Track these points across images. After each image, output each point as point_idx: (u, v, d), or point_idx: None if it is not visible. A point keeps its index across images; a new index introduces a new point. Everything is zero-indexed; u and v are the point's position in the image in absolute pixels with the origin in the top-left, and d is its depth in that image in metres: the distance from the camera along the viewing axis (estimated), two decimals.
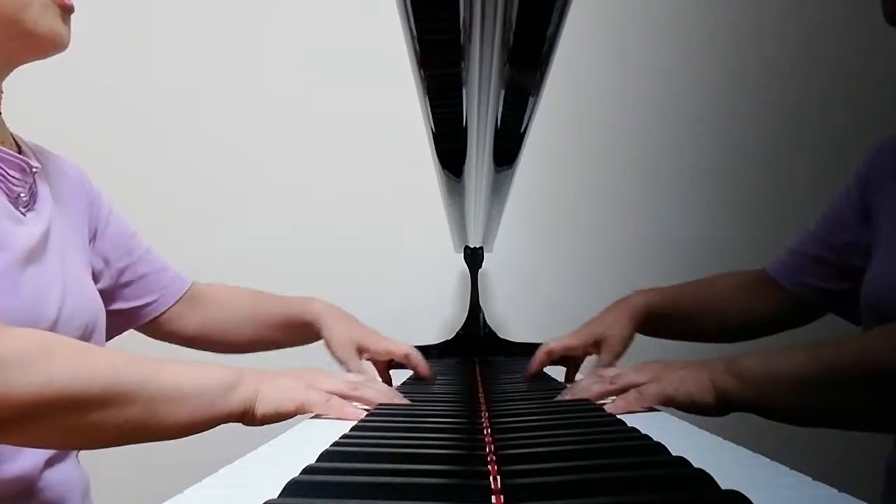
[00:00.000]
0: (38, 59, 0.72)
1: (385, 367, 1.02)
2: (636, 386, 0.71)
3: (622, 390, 0.72)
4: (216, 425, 0.64)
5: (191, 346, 1.00)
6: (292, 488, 0.40)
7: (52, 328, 0.70)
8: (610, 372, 0.77)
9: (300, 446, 0.56)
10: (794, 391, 0.64)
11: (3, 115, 0.76)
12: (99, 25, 1.54)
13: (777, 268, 1.00)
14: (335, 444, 0.53)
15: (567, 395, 0.76)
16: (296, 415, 0.69)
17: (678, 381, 0.69)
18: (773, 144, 1.55)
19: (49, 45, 0.71)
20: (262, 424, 0.67)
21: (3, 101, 0.76)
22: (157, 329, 0.96)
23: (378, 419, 0.67)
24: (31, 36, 0.69)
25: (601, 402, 0.74)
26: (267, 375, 0.69)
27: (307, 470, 0.44)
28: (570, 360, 1.06)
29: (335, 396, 0.70)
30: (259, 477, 0.46)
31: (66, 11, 0.71)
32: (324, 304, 1.02)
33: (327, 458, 0.48)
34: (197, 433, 0.63)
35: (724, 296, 1.04)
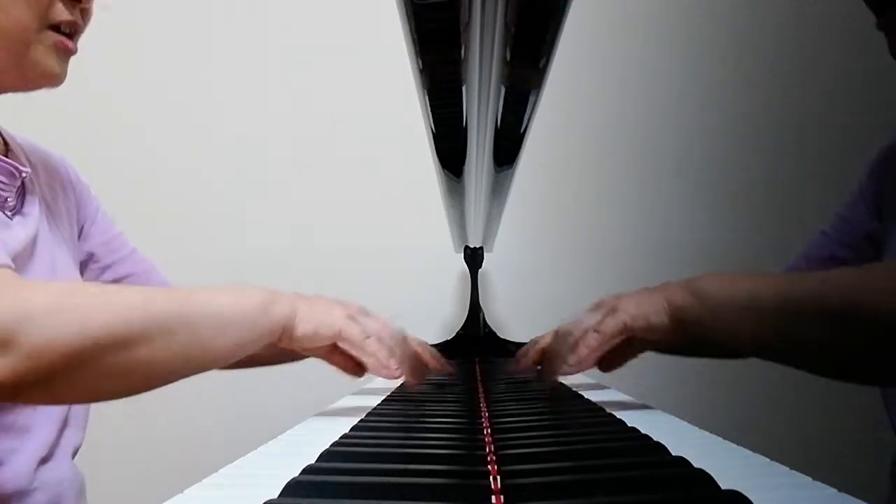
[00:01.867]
0: (26, 91, 0.72)
1: None
2: (593, 327, 0.67)
3: (584, 335, 0.68)
4: (261, 344, 0.63)
5: None
6: (292, 488, 0.40)
7: None
8: (568, 334, 0.72)
9: (300, 446, 0.56)
10: (749, 314, 0.58)
11: None
12: (96, 30, 1.54)
13: (793, 272, 0.94)
14: (335, 444, 0.53)
15: (544, 372, 0.73)
16: (332, 342, 0.67)
17: (633, 306, 0.65)
18: (773, 145, 1.55)
19: (44, 84, 0.70)
20: (300, 346, 0.66)
21: None
22: None
23: (378, 419, 0.67)
24: (30, 73, 0.68)
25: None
26: (303, 297, 0.67)
27: (307, 470, 0.44)
28: None
29: (372, 339, 0.67)
30: (259, 477, 0.46)
31: (69, 54, 0.71)
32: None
33: (327, 458, 0.48)
34: (245, 355, 0.62)
35: None
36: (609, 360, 0.72)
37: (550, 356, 0.73)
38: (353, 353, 0.68)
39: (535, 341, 0.95)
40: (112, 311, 0.52)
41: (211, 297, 0.60)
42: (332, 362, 0.75)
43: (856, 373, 0.59)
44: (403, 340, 0.74)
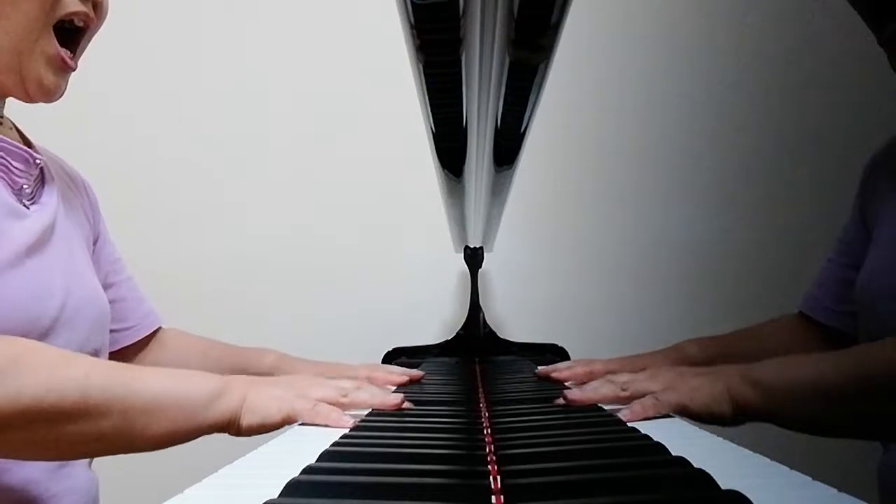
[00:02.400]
0: (23, 101, 0.72)
1: None
2: (649, 393, 0.68)
3: (633, 397, 0.70)
4: (199, 436, 0.62)
5: None
6: (292, 488, 0.40)
7: (56, 321, 0.69)
8: (622, 378, 0.74)
9: (300, 446, 0.56)
10: (816, 400, 0.61)
11: (8, 118, 0.76)
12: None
13: (809, 304, 0.96)
14: (335, 444, 0.53)
15: (576, 395, 0.73)
16: (283, 425, 0.66)
17: (693, 390, 0.67)
18: (774, 145, 1.55)
19: (36, 96, 0.70)
20: (248, 435, 0.65)
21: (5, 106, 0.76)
22: (117, 360, 0.90)
23: (378, 419, 0.67)
24: (26, 82, 0.68)
25: (609, 407, 0.73)
26: (254, 383, 0.66)
27: (307, 470, 0.44)
28: None
29: (322, 403, 0.67)
30: (259, 477, 0.46)
31: (67, 70, 0.71)
32: (278, 353, 0.96)
33: (327, 458, 0.48)
34: (179, 444, 0.61)
35: (777, 342, 0.96)
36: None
37: (588, 390, 0.74)
38: (308, 421, 0.67)
39: (586, 363, 0.94)
40: (50, 384, 0.52)
41: (156, 381, 0.60)
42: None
43: None
44: (355, 386, 0.73)
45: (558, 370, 0.94)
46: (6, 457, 0.62)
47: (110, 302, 0.87)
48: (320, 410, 0.66)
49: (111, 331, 0.88)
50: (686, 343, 0.97)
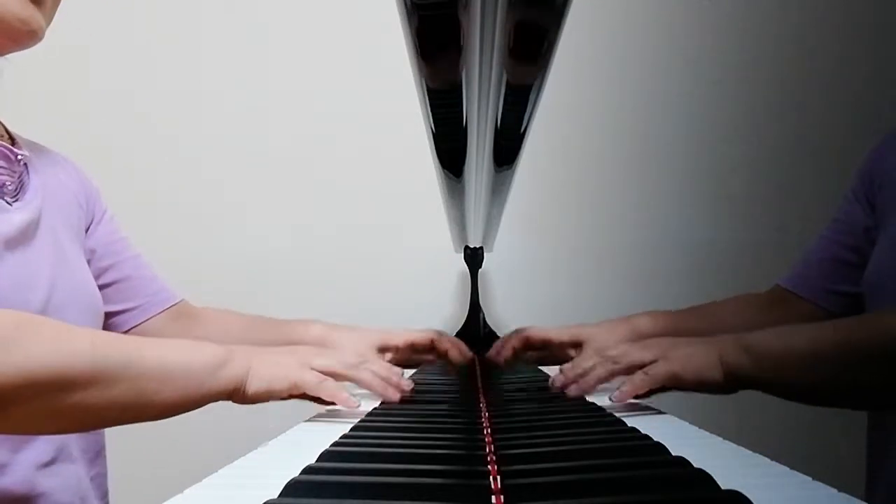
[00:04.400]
0: (13, 50, 0.69)
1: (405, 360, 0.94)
2: (641, 365, 0.68)
3: (627, 370, 0.69)
4: (206, 403, 0.62)
5: None
6: (292, 488, 0.40)
7: (41, 313, 0.69)
8: (612, 351, 0.73)
9: (300, 446, 0.56)
10: (810, 367, 0.61)
11: None
12: (99, 26, 1.54)
13: (795, 280, 0.93)
14: (335, 444, 0.53)
15: (573, 390, 0.72)
16: (287, 395, 0.67)
17: (685, 358, 0.66)
18: (774, 145, 1.55)
19: (17, 34, 0.66)
20: (253, 403, 0.65)
21: None
22: None
23: (378, 419, 0.67)
24: (2, 23, 0.65)
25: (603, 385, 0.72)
26: (259, 352, 0.67)
27: (307, 470, 0.44)
28: (547, 357, 0.99)
29: (330, 378, 0.67)
30: (259, 477, 0.46)
31: (37, 2, 0.67)
32: (325, 324, 0.95)
33: (327, 458, 0.48)
34: (187, 411, 0.61)
35: (738, 319, 0.93)
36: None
37: (584, 384, 0.73)
38: (314, 397, 0.68)
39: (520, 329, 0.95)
40: (58, 353, 0.52)
41: (162, 350, 0.60)
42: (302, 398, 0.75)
43: None
44: (361, 362, 0.73)
45: (504, 349, 0.94)
46: (22, 432, 0.61)
47: (114, 283, 0.87)
48: (327, 386, 0.66)
49: (118, 312, 0.88)
50: (638, 316, 0.95)
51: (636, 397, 0.73)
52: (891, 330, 0.58)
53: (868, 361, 0.59)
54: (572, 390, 0.73)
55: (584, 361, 0.75)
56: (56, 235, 0.76)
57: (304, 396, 0.73)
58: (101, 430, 0.80)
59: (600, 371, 0.72)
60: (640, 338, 0.86)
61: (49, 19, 0.71)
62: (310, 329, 0.94)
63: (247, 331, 0.95)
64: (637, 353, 0.70)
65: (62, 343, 0.53)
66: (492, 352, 0.98)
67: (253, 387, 0.64)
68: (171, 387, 0.58)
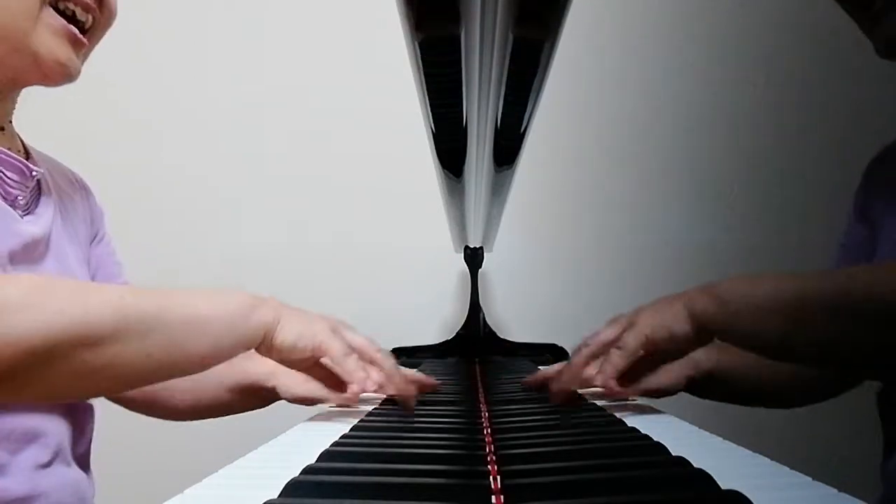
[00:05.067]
0: (43, 85, 0.71)
1: None
2: (613, 342, 0.66)
3: (601, 349, 0.67)
4: (239, 351, 0.61)
5: (131, 408, 0.88)
6: (292, 488, 0.40)
7: None
8: (588, 349, 0.70)
9: (300, 446, 0.56)
10: (773, 314, 0.58)
11: (13, 125, 0.76)
12: None
13: None
14: (335, 444, 0.53)
15: (554, 385, 0.70)
16: (310, 355, 0.65)
17: (651, 317, 0.64)
18: (774, 147, 1.55)
19: (50, 72, 0.68)
20: (278, 356, 0.64)
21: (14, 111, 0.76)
22: None
23: (378, 419, 0.67)
24: (34, 57, 0.67)
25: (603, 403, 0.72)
26: (285, 305, 0.66)
27: (307, 470, 0.44)
28: None
29: (354, 356, 0.66)
30: (259, 477, 0.46)
31: (77, 45, 0.70)
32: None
33: (327, 458, 0.48)
34: (221, 361, 0.60)
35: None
36: (631, 377, 0.70)
37: (566, 373, 0.70)
38: (333, 368, 0.67)
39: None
40: (84, 307, 0.51)
41: (190, 298, 0.59)
42: (313, 375, 0.74)
43: (879, 367, 0.60)
44: (386, 352, 0.73)
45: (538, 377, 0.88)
46: (61, 395, 0.60)
47: None
48: (351, 360, 0.65)
49: None
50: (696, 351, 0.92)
51: (631, 384, 0.70)
52: (857, 285, 0.55)
53: (830, 313, 0.55)
54: (553, 387, 0.71)
55: (573, 363, 0.72)
56: (63, 254, 0.76)
57: (318, 370, 0.71)
58: (89, 437, 0.79)
59: (575, 360, 0.69)
60: (700, 372, 0.82)
61: (84, 60, 0.73)
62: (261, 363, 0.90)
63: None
64: (604, 333, 0.67)
65: (87, 298, 0.52)
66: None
67: (280, 336, 0.63)
68: (202, 335, 0.57)
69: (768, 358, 0.64)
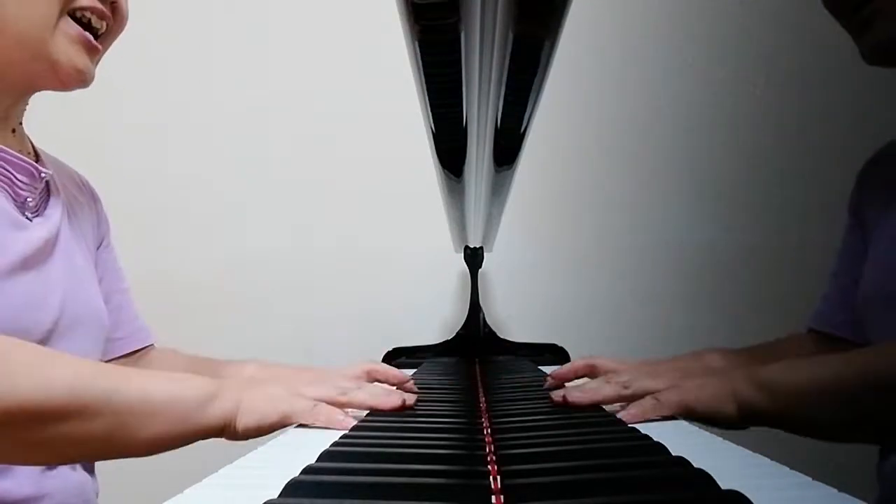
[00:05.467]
0: (58, 90, 0.72)
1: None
2: (652, 392, 0.66)
3: (636, 396, 0.67)
4: (194, 440, 0.60)
5: None
6: (292, 488, 0.40)
7: (51, 333, 0.69)
8: (623, 377, 0.71)
9: (300, 446, 0.56)
10: (829, 402, 0.59)
11: (24, 128, 0.77)
12: None
13: (822, 319, 0.92)
14: (335, 444, 0.53)
15: (576, 397, 0.70)
16: (280, 426, 0.64)
17: (697, 389, 0.64)
18: (774, 146, 1.55)
19: (67, 78, 0.70)
20: (245, 439, 0.63)
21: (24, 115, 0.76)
22: None
23: (378, 419, 0.67)
24: (52, 63, 0.68)
25: (607, 406, 0.72)
26: (249, 385, 0.65)
27: (307, 470, 0.44)
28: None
29: (322, 403, 0.65)
30: (259, 477, 0.46)
31: (92, 52, 0.71)
32: (257, 365, 0.90)
33: (327, 458, 0.48)
34: (173, 449, 0.59)
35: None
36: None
37: (588, 391, 0.71)
38: (307, 422, 0.65)
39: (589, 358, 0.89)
40: (35, 382, 0.50)
41: (147, 382, 0.58)
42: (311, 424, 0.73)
43: None
44: (354, 386, 0.71)
45: (561, 371, 0.89)
46: (0, 461, 0.60)
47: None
48: (321, 411, 0.65)
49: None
50: (707, 352, 0.90)
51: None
52: None
53: (887, 392, 0.56)
54: (572, 395, 0.70)
55: (592, 383, 0.73)
56: (71, 253, 0.77)
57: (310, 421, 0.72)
58: None
59: (607, 390, 0.70)
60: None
61: (97, 65, 0.74)
62: (242, 369, 0.90)
63: (187, 369, 0.91)
64: (646, 382, 0.68)
65: (41, 373, 0.51)
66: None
67: (243, 422, 0.62)
68: (155, 421, 0.56)
69: (824, 440, 0.64)
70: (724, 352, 0.90)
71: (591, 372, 0.87)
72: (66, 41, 0.68)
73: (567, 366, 0.90)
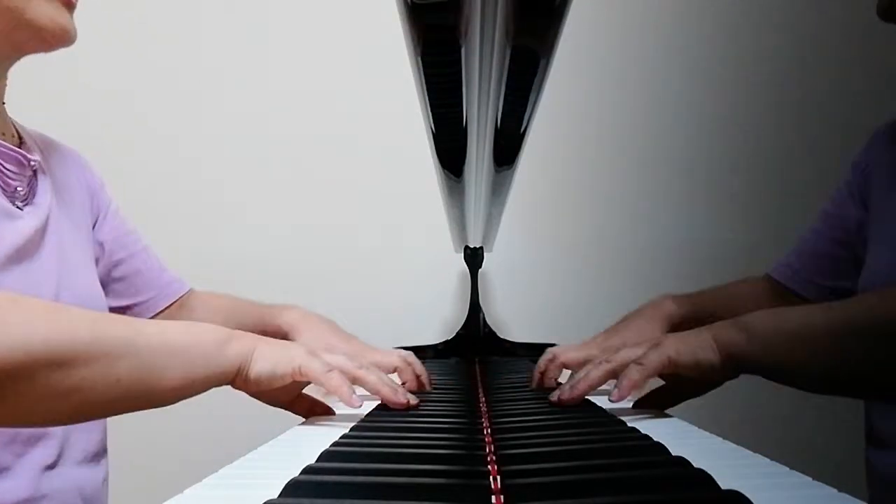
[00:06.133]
0: (43, 52, 0.71)
1: None
2: (636, 360, 0.65)
3: (622, 367, 0.66)
4: (212, 385, 0.60)
5: None
6: (292, 488, 0.40)
7: None
8: (603, 354, 0.71)
9: (300, 446, 0.56)
10: (806, 346, 0.58)
11: (6, 106, 0.76)
12: (100, 26, 1.54)
13: (787, 272, 0.94)
14: (335, 444, 0.53)
15: (567, 394, 0.69)
16: (291, 380, 0.64)
17: (678, 342, 0.64)
18: (774, 145, 1.55)
19: (53, 38, 0.69)
20: (256, 388, 0.63)
21: (6, 91, 0.75)
22: None
23: (378, 419, 0.67)
24: (35, 27, 0.68)
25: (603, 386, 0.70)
26: (263, 339, 0.66)
27: (307, 470, 0.44)
28: None
29: (336, 371, 0.65)
30: (259, 477, 0.46)
31: (70, 8, 0.71)
32: (301, 311, 0.92)
33: (327, 458, 0.48)
34: (194, 394, 0.59)
35: (746, 305, 0.88)
36: (644, 400, 0.71)
37: (578, 383, 0.70)
38: (317, 384, 0.65)
39: (553, 354, 0.89)
40: (55, 327, 0.49)
41: (164, 328, 0.58)
42: (296, 409, 0.73)
43: None
44: (370, 365, 0.71)
45: (538, 377, 0.89)
46: (24, 420, 0.57)
47: (124, 277, 0.87)
48: (333, 377, 0.64)
49: (130, 306, 0.88)
50: (663, 299, 0.92)
51: (650, 404, 0.72)
52: (891, 308, 0.55)
53: (865, 339, 0.56)
54: (565, 393, 0.70)
55: (579, 374, 0.72)
56: (62, 239, 0.76)
57: (298, 405, 0.72)
58: (103, 430, 0.79)
59: (594, 373, 0.69)
60: (673, 328, 0.85)
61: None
62: (284, 312, 0.92)
63: (231, 312, 0.95)
64: (628, 350, 0.67)
65: (61, 318, 0.51)
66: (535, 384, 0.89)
67: (256, 367, 0.62)
68: (175, 363, 0.56)
69: (804, 389, 0.64)
70: (675, 297, 0.92)
71: (562, 367, 0.87)
72: (44, 1, 0.68)
73: (536, 372, 0.89)
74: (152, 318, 0.90)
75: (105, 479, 0.80)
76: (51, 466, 0.70)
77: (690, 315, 0.89)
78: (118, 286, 0.88)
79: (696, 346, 0.63)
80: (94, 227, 0.87)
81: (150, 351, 0.55)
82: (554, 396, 0.71)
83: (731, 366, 0.63)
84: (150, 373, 0.54)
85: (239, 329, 0.74)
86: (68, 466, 0.73)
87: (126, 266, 0.89)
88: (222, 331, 0.62)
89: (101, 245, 0.87)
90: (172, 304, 0.93)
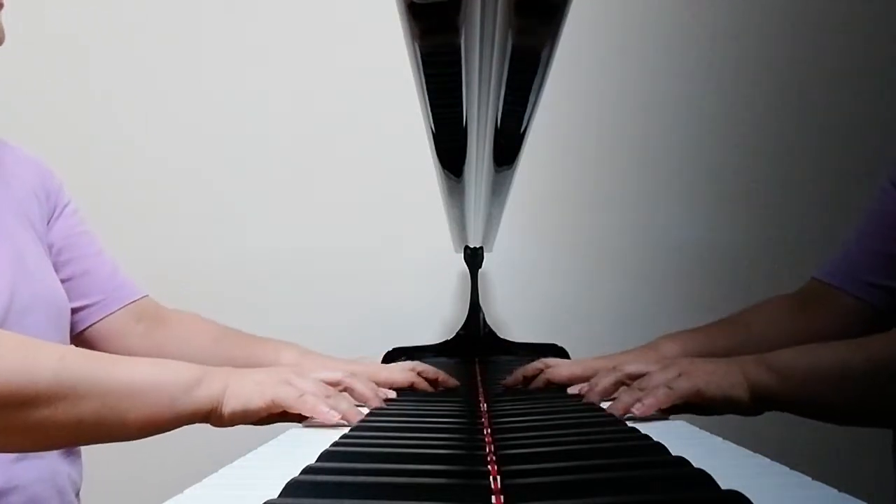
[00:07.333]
0: None
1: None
2: (654, 382, 0.65)
3: (629, 381, 0.67)
4: (181, 424, 0.60)
5: None
6: (292, 488, 0.40)
7: (2, 322, 0.68)
8: (630, 367, 0.70)
9: (300, 446, 0.56)
10: (843, 386, 0.59)
11: None
12: (97, 28, 1.54)
13: (836, 275, 0.89)
14: (335, 444, 0.53)
15: (595, 400, 0.69)
16: (266, 413, 0.65)
17: (708, 375, 0.64)
18: (774, 145, 1.55)
19: None
20: (231, 425, 0.63)
21: None
22: (93, 344, 0.85)
23: (378, 419, 0.67)
24: None
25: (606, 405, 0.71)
26: (235, 372, 0.65)
27: (307, 470, 0.44)
28: None
29: (309, 393, 0.65)
30: (259, 477, 0.46)
31: None
32: (299, 350, 0.89)
33: (327, 458, 0.48)
34: (160, 433, 0.59)
35: (773, 328, 0.88)
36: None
37: (592, 395, 0.71)
38: (294, 412, 0.65)
39: (544, 365, 0.88)
40: (19, 366, 0.50)
41: (133, 367, 0.58)
42: (289, 420, 0.71)
43: None
44: (338, 393, 0.70)
45: (517, 378, 0.88)
46: None
47: (72, 278, 0.84)
48: (307, 399, 0.64)
49: (77, 309, 0.85)
50: (662, 340, 0.90)
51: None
52: None
53: None
54: (584, 390, 0.71)
55: (602, 379, 0.72)
56: (13, 235, 0.75)
57: (283, 417, 0.70)
58: None
59: (604, 383, 0.70)
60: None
61: None
62: (282, 354, 0.88)
63: (217, 342, 0.92)
64: (659, 376, 0.66)
65: (26, 356, 0.51)
66: (512, 381, 0.90)
67: (229, 407, 0.62)
68: (140, 404, 0.56)
69: (835, 423, 0.65)
70: (676, 337, 0.90)
71: (547, 383, 0.85)
72: None
73: (521, 373, 0.89)
74: (102, 319, 0.87)
75: (80, 474, 0.79)
76: (22, 457, 0.70)
77: (699, 355, 0.85)
78: (67, 286, 0.84)
79: (726, 381, 0.64)
80: (48, 225, 0.85)
81: (116, 391, 0.55)
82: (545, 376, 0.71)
83: (760, 405, 0.64)
84: (113, 413, 0.55)
85: (228, 361, 0.74)
86: (41, 458, 0.72)
87: (74, 266, 0.86)
88: (194, 371, 0.61)
89: (50, 245, 0.85)
90: (123, 308, 0.88)
